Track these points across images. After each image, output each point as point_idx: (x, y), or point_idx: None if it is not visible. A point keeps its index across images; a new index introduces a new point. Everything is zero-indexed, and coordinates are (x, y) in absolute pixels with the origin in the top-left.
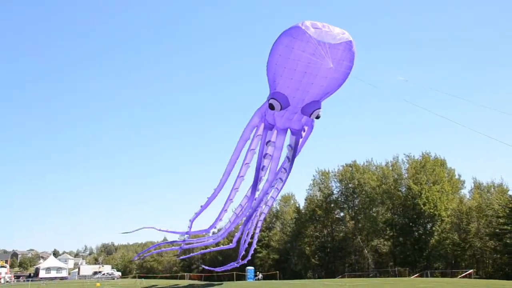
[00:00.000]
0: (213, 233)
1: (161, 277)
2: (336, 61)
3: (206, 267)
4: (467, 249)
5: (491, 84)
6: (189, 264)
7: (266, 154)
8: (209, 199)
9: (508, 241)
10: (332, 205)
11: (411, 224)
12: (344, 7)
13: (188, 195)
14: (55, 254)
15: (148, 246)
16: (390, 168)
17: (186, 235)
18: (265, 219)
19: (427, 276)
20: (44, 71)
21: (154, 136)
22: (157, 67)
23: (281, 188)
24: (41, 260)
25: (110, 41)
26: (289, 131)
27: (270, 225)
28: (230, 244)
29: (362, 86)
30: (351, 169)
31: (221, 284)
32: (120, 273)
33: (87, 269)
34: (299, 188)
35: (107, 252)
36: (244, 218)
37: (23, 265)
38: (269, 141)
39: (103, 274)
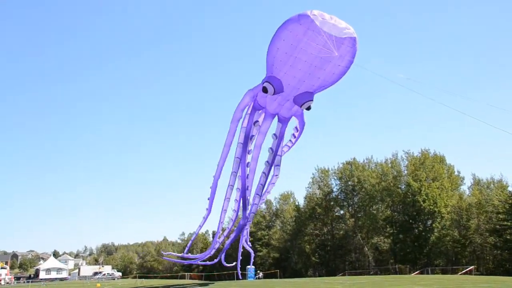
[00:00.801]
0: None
1: (162, 277)
2: (339, 55)
3: (165, 254)
4: (467, 245)
5: (493, 82)
6: (189, 263)
7: (252, 135)
8: (212, 189)
9: (508, 237)
10: (332, 203)
11: (411, 221)
12: (343, 7)
13: (188, 195)
14: (55, 255)
15: (148, 246)
16: (390, 165)
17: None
18: (264, 217)
19: (427, 273)
20: (43, 71)
21: (153, 136)
22: (157, 67)
23: (269, 184)
24: (41, 261)
25: (108, 41)
26: (276, 118)
27: (270, 223)
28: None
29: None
30: (350, 166)
31: (213, 283)
32: (120, 274)
33: (87, 270)
34: (298, 186)
35: (107, 253)
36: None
37: (23, 266)
38: (256, 121)
39: (104, 275)
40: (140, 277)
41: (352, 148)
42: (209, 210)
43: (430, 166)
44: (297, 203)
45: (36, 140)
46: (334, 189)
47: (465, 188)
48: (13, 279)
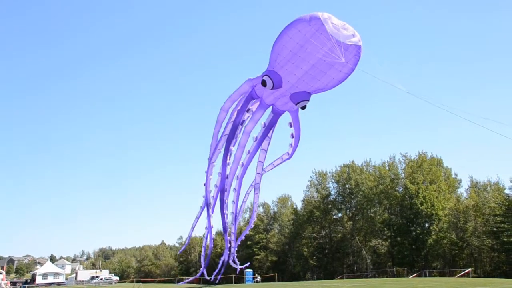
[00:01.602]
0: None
1: (159, 281)
2: (339, 61)
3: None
4: (464, 248)
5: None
6: (187, 267)
7: (243, 120)
8: (206, 187)
9: (505, 239)
10: (330, 206)
11: (408, 224)
12: (344, 8)
13: (186, 198)
14: (52, 259)
15: (146, 250)
16: (387, 168)
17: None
18: (262, 220)
19: (425, 276)
20: (39, 75)
21: (151, 139)
22: (156, 69)
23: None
24: (38, 266)
25: (102, 45)
26: (270, 108)
27: (268, 227)
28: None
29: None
30: (348, 169)
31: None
32: (118, 278)
33: (84, 274)
34: (296, 189)
35: (104, 257)
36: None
37: (20, 271)
38: (249, 109)
39: (101, 279)
40: (137, 281)
41: (349, 151)
42: (202, 208)
43: (427, 169)
44: (295, 206)
45: (33, 144)
46: (332, 192)
47: (462, 190)
48: (9, 284)
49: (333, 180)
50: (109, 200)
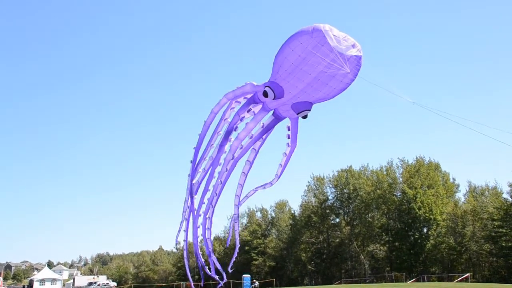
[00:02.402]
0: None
1: (157, 287)
2: (344, 72)
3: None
4: (463, 252)
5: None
6: (185, 273)
7: (243, 117)
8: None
9: (503, 244)
10: (328, 211)
11: (406, 228)
12: (345, 10)
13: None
14: (50, 265)
15: (143, 255)
16: (385, 172)
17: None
18: (260, 225)
19: (423, 281)
20: (35, 81)
21: (147, 145)
22: (152, 74)
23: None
24: (35, 272)
25: (101, 47)
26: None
27: (266, 232)
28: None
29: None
30: (345, 174)
31: None
32: (115, 283)
33: (82, 280)
34: (294, 194)
35: (102, 263)
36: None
37: (17, 277)
38: (250, 109)
39: (99, 285)
40: (135, 287)
41: (347, 156)
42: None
43: (425, 173)
44: (292, 211)
45: (30, 149)
46: (330, 197)
47: (460, 195)
48: None
49: (331, 185)
50: (107, 206)
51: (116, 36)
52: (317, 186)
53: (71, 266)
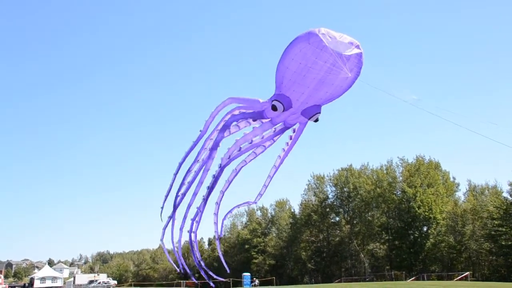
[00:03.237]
0: None
1: (158, 285)
2: (347, 70)
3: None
4: (463, 251)
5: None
6: (185, 271)
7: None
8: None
9: (503, 243)
10: (328, 209)
11: (406, 227)
12: (345, 11)
13: (184, 201)
14: (50, 263)
15: (143, 254)
16: (385, 171)
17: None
18: (260, 224)
19: (423, 279)
20: (34, 82)
21: (147, 144)
22: (152, 74)
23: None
24: (36, 270)
25: (101, 48)
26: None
27: (266, 230)
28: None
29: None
30: (346, 173)
31: None
32: (116, 282)
33: (82, 278)
34: (294, 193)
35: (102, 261)
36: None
37: (18, 275)
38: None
39: (99, 283)
40: (135, 285)
41: (347, 155)
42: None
43: (425, 172)
44: (292, 210)
45: (31, 148)
46: (330, 196)
47: (460, 194)
48: None
49: (331, 184)
50: (107, 204)
51: (116, 36)
52: (317, 185)
53: (71, 264)
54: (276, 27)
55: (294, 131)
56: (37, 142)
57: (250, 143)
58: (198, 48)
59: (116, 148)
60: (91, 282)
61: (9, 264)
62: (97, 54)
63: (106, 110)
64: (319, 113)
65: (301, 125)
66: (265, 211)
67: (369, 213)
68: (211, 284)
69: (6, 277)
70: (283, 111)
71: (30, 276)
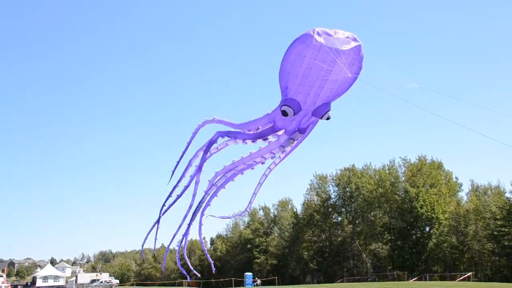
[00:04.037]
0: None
1: (160, 284)
2: (348, 65)
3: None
4: (465, 252)
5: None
6: (187, 270)
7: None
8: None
9: (506, 243)
10: (330, 209)
11: (408, 227)
12: (347, 9)
13: (186, 200)
14: (52, 262)
15: (146, 253)
16: (387, 171)
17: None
18: (262, 223)
19: (425, 280)
20: (34, 82)
21: (151, 143)
22: (152, 74)
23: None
24: (38, 269)
25: (100, 48)
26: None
27: (268, 230)
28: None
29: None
30: (348, 173)
31: None
32: (118, 281)
33: (84, 277)
34: (296, 193)
35: (105, 260)
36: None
37: (20, 274)
38: (266, 138)
39: (101, 282)
40: (137, 285)
41: (350, 154)
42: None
43: (427, 172)
44: (295, 210)
45: (33, 146)
46: (332, 196)
47: (462, 194)
48: (10, 287)
49: (333, 184)
50: (110, 203)
51: (116, 36)
52: (320, 185)
53: (73, 263)
54: (276, 27)
55: (303, 131)
56: (38, 141)
57: (270, 154)
58: (198, 48)
59: (119, 147)
60: (93, 281)
61: (11, 263)
62: (97, 53)
63: (110, 109)
64: (329, 110)
65: (311, 124)
66: (267, 210)
67: (371, 213)
68: (189, 277)
69: (8, 276)
70: (294, 114)
71: (32, 275)
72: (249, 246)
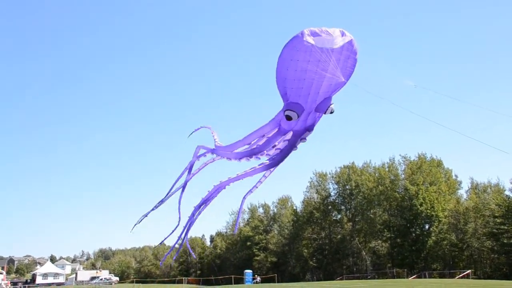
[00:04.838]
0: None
1: (159, 282)
2: (342, 60)
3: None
4: (464, 249)
5: (485, 84)
6: (187, 268)
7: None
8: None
9: (505, 241)
10: (330, 207)
11: (408, 225)
12: (347, 9)
13: (187, 200)
14: (52, 259)
15: (145, 250)
16: (387, 169)
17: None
18: (262, 221)
19: (425, 277)
20: (34, 82)
21: (151, 141)
22: (152, 74)
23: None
24: (38, 266)
25: (100, 48)
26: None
27: (268, 227)
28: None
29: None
30: (348, 170)
31: None
32: (117, 278)
33: (84, 275)
34: (296, 190)
35: (104, 257)
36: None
37: (20, 271)
38: (274, 145)
39: (101, 279)
40: (137, 282)
41: (350, 152)
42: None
43: (427, 170)
44: (294, 207)
45: (33, 144)
46: (332, 193)
47: (462, 192)
48: (10, 284)
49: (333, 181)
50: (109, 201)
51: (116, 36)
52: (320, 182)
53: (73, 260)
54: (276, 27)
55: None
56: (39, 139)
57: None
58: (198, 48)
59: (119, 145)
60: (93, 278)
61: (11, 260)
62: (97, 53)
63: (110, 107)
64: (332, 104)
65: (317, 119)
66: (267, 208)
67: (371, 211)
68: (194, 255)
69: (8, 273)
70: (298, 117)
71: (32, 272)
72: (248, 243)
